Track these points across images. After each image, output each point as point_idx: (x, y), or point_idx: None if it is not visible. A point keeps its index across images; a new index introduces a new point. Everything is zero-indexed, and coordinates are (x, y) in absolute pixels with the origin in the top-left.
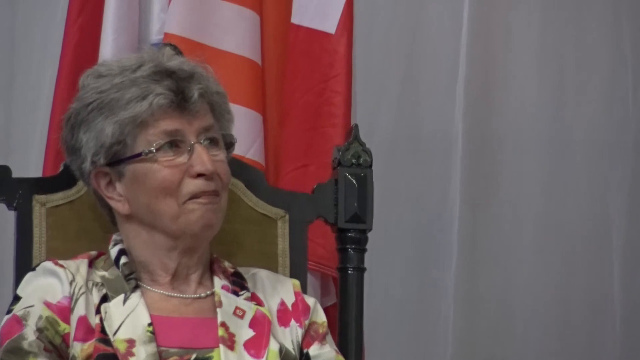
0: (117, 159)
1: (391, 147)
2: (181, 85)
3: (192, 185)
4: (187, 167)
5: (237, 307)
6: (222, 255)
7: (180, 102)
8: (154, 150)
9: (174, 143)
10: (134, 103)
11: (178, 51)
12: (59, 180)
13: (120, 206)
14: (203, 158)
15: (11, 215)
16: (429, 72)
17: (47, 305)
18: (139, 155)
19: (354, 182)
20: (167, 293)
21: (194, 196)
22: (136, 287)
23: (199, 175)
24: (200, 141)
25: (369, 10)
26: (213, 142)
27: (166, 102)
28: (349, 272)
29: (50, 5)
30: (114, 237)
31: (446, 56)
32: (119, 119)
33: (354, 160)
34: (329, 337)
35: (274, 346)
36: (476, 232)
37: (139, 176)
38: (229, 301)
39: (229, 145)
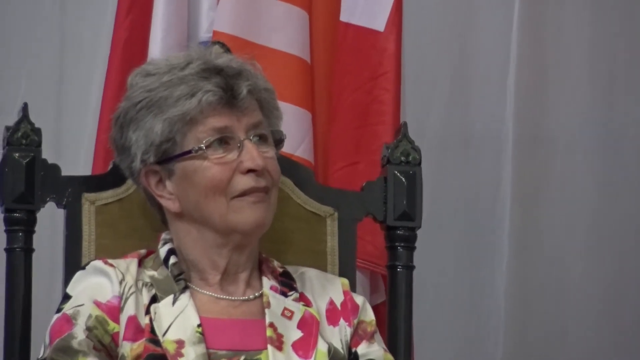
0: (166, 157)
1: (442, 145)
2: (230, 82)
3: (242, 182)
4: (237, 164)
5: (285, 308)
6: (271, 253)
7: (229, 99)
8: (204, 148)
9: (224, 140)
10: (183, 100)
11: (227, 49)
12: (108, 178)
13: (170, 204)
14: (253, 154)
15: (61, 214)
16: (480, 70)
17: (97, 304)
18: (189, 152)
19: (403, 179)
20: (215, 295)
21: (244, 193)
22: (185, 288)
23: (249, 171)
24: (250, 137)
25: (420, 9)
26: (262, 138)
27: (215, 99)
28: (398, 269)
29: (99, 4)
30: (163, 236)
31: (497, 54)
32: (168, 117)
33: (402, 158)
34: (378, 336)
35: (322, 347)
36: (527, 232)
37: (188, 174)
38: (277, 302)
39: (278, 142)
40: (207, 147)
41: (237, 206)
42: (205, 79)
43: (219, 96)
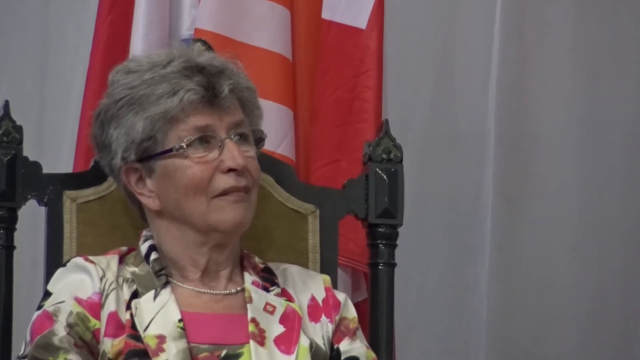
0: (147, 155)
1: (425, 143)
2: (212, 80)
3: (223, 181)
4: (218, 163)
5: (267, 303)
6: (253, 250)
7: (210, 97)
8: (185, 146)
9: (205, 139)
10: (164, 99)
11: (209, 47)
12: (89, 176)
13: (150, 202)
14: (234, 153)
15: (42, 211)
16: (463, 68)
17: (78, 301)
18: (170, 151)
19: (385, 177)
20: (197, 289)
21: (224, 192)
22: (166, 283)
23: (230, 170)
24: (231, 137)
25: (402, 6)
26: (243, 137)
27: (197, 98)
28: (380, 267)
29: (81, 3)
30: (144, 232)
31: (479, 52)
32: (150, 115)
33: (384, 156)
34: (360, 333)
35: (304, 342)
36: (510, 229)
37: (169, 172)
38: (259, 297)
39: (259, 140)
40: (188, 145)
41: (217, 205)
42: (187, 77)
43: (201, 95)
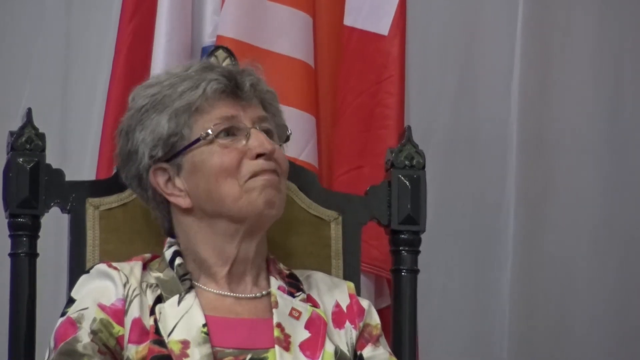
0: (175, 152)
1: (448, 148)
2: (233, 73)
3: (252, 164)
4: (246, 150)
5: (293, 308)
6: (276, 257)
7: (233, 88)
8: (211, 133)
9: (231, 131)
10: (187, 93)
11: (231, 54)
12: (112, 183)
13: (180, 201)
14: (261, 139)
15: (65, 219)
16: (485, 73)
17: (101, 307)
18: (197, 141)
19: (407, 183)
20: (222, 292)
21: (255, 174)
22: (191, 288)
23: (258, 156)
24: (256, 127)
25: (424, 12)
26: (268, 134)
27: (220, 87)
28: (403, 273)
29: (104, 8)
30: (169, 239)
31: (502, 57)
32: (174, 109)
33: (407, 162)
34: (383, 339)
35: (329, 348)
36: (532, 234)
37: (197, 163)
38: (285, 302)
39: (283, 137)
40: (215, 135)
41: (248, 187)
42: (209, 70)
43: (224, 84)
